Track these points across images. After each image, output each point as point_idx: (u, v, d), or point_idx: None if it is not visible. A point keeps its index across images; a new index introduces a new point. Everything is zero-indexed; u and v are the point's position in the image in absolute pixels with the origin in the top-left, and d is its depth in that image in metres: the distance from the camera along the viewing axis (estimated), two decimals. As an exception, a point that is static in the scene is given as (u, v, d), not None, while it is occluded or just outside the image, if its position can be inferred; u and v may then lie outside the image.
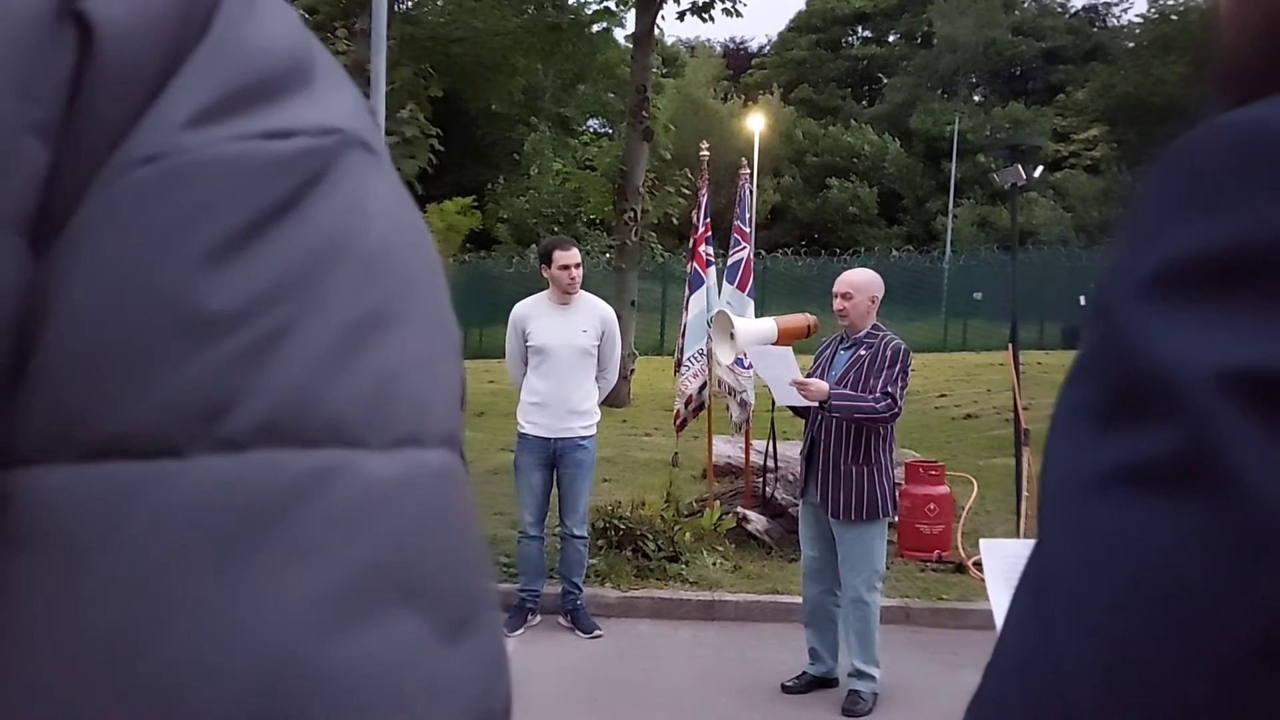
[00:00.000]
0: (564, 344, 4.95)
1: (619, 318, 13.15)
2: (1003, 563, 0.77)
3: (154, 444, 0.27)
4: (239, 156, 0.30)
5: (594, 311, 5.08)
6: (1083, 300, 24.07)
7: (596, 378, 5.08)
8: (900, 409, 4.18)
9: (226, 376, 0.28)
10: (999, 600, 0.72)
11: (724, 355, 5.19)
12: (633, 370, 13.54)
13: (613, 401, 12.46)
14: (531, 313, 5.05)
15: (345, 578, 0.27)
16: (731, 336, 4.96)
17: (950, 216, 35.90)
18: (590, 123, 35.97)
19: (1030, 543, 0.82)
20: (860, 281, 4.36)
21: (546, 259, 5.02)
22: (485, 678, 0.31)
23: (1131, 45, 42.19)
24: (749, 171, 6.98)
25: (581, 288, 5.06)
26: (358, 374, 0.30)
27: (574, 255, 5.00)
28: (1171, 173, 0.34)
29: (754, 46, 55.14)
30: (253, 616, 0.26)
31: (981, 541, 0.83)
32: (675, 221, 18.85)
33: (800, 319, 5.03)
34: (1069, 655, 0.30)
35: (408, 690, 0.28)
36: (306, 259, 0.30)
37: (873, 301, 4.34)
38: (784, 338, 4.82)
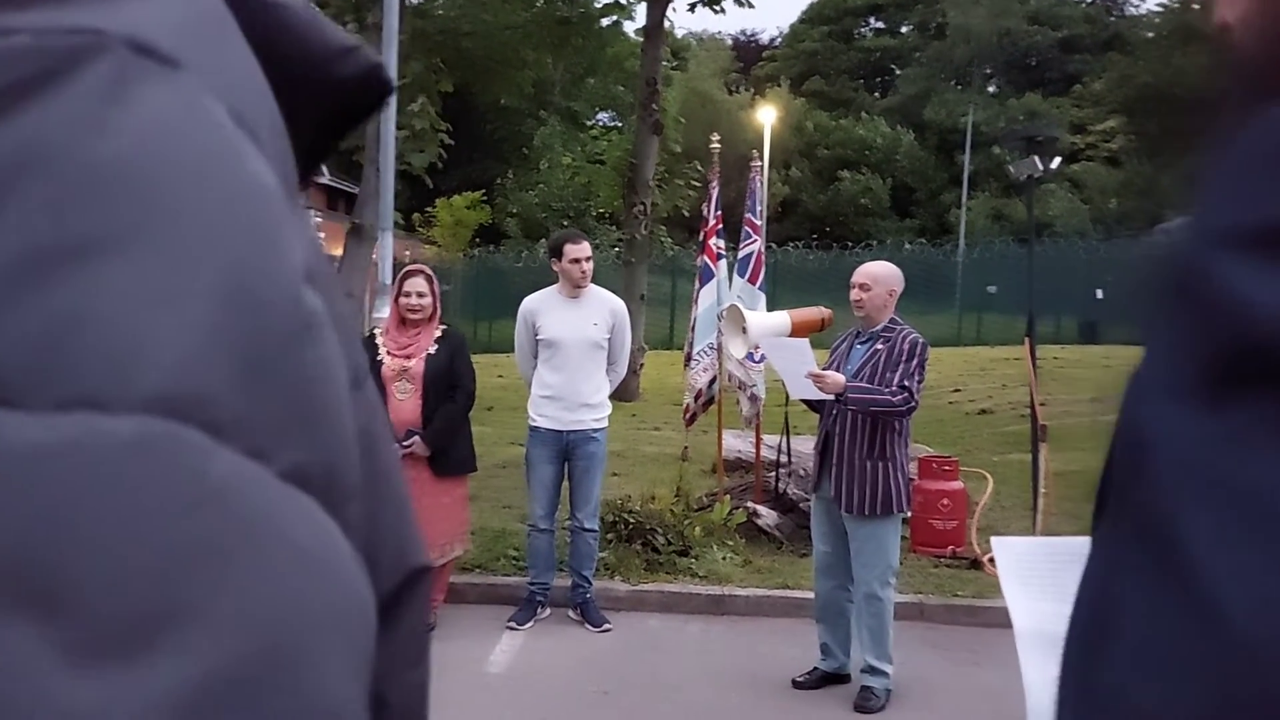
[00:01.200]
0: (575, 337, 4.92)
1: (629, 312, 13.15)
2: (1015, 561, 0.74)
3: None
4: None
5: (604, 305, 5.05)
6: (1100, 294, 23.93)
7: (607, 370, 5.05)
8: (917, 403, 4.12)
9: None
10: (1013, 598, 0.70)
11: (736, 349, 5.14)
12: (642, 365, 13.50)
13: (622, 396, 12.41)
14: (541, 306, 5.02)
15: None
16: (744, 330, 4.90)
17: (964, 209, 35.74)
18: (600, 116, 35.94)
19: (1043, 540, 0.79)
20: (880, 273, 4.29)
21: (557, 253, 4.99)
22: None
23: (1151, 35, 41.86)
24: (760, 164, 6.92)
25: (592, 282, 5.04)
26: (22, 315, 0.23)
27: (585, 249, 4.97)
28: (1263, 138, 0.30)
29: (765, 39, 54.96)
30: None
31: (993, 540, 0.80)
32: (685, 215, 18.80)
33: (814, 312, 4.97)
34: (1259, 638, 0.25)
35: None
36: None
37: (890, 295, 4.27)
38: (797, 331, 4.76)
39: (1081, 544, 0.77)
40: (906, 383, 4.06)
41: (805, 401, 4.44)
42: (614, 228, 23.19)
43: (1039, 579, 0.72)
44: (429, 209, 29.11)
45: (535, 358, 5.03)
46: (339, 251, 12.60)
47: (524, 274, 21.38)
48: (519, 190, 30.49)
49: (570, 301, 4.99)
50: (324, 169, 28.85)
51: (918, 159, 41.17)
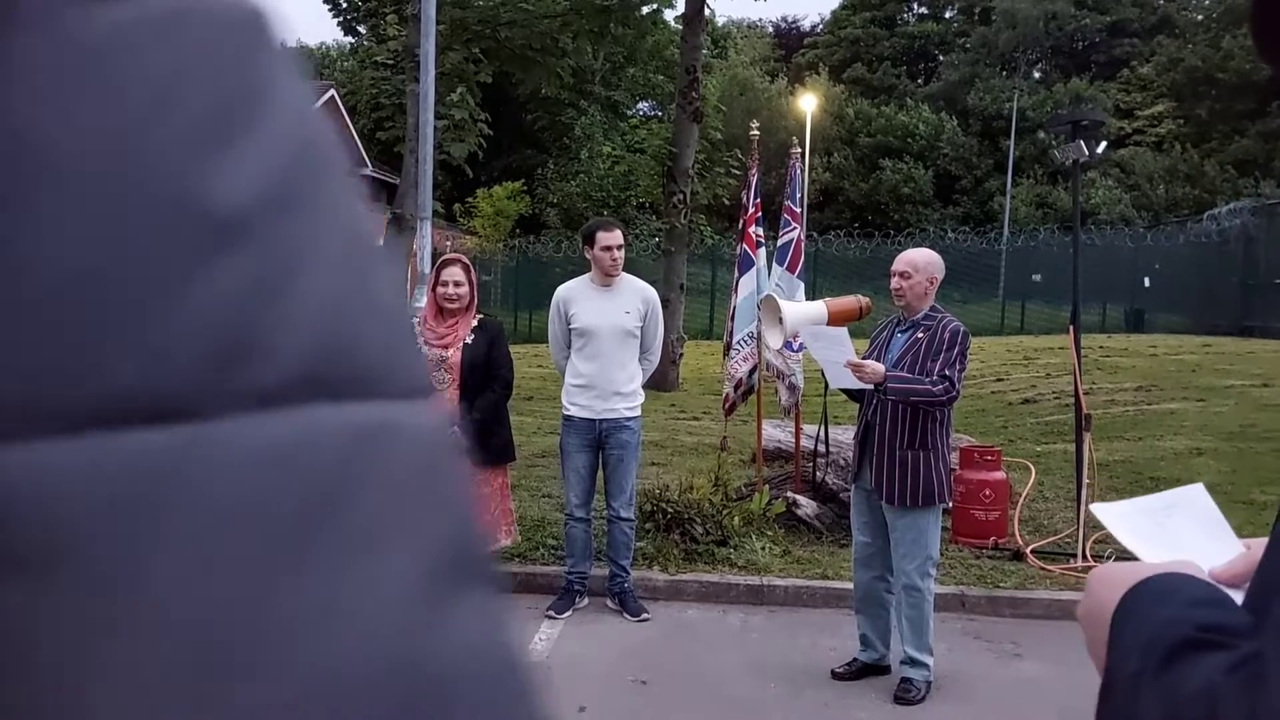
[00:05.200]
0: (607, 325, 4.91)
1: (667, 301, 13.05)
2: (1120, 520, 0.80)
3: (162, 403, 0.20)
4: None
5: (637, 293, 5.03)
6: (1147, 282, 23.49)
7: (640, 359, 5.03)
8: (958, 393, 4.06)
9: (247, 306, 0.21)
10: (1135, 548, 0.76)
11: (773, 339, 5.10)
12: (681, 354, 13.47)
13: (661, 385, 12.40)
14: (574, 295, 5.02)
15: (428, 554, 0.23)
16: (780, 321, 4.86)
17: (1008, 196, 35.23)
18: (640, 106, 35.86)
19: (1135, 502, 0.81)
20: (920, 261, 4.23)
21: (589, 240, 4.98)
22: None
23: (1200, 18, 40.96)
24: (799, 151, 6.85)
25: (632, 271, 5.03)
26: (374, 304, 0.23)
27: (616, 237, 4.95)
28: None
29: (806, 25, 54.50)
30: (360, 611, 0.21)
31: (1093, 507, 0.84)
32: (725, 204, 18.72)
33: (851, 300, 4.91)
34: None
35: (504, 672, 0.23)
36: (299, 152, 0.23)
37: (931, 283, 4.21)
38: (835, 320, 4.70)
39: (1170, 496, 0.79)
40: (947, 372, 4.00)
41: (845, 391, 4.40)
42: (654, 217, 23.15)
43: (1147, 534, 0.76)
44: (470, 199, 29.26)
45: (569, 347, 5.03)
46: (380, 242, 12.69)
47: (564, 264, 21.42)
48: (559, 180, 30.53)
49: (603, 290, 4.98)
50: (368, 161, 29.10)
51: (961, 146, 40.61)
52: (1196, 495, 0.79)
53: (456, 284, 4.77)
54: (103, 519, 0.19)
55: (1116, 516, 0.79)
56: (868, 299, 4.95)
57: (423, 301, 4.99)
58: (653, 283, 5.31)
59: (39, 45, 0.20)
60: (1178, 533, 0.76)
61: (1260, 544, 0.71)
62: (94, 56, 0.20)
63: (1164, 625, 0.61)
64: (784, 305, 4.93)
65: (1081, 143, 5.31)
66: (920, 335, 4.13)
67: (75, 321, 0.20)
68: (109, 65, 0.20)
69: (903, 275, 4.20)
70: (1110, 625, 0.65)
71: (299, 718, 0.20)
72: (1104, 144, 6.39)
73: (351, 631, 0.21)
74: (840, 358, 4.14)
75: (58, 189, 0.20)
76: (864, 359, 4.15)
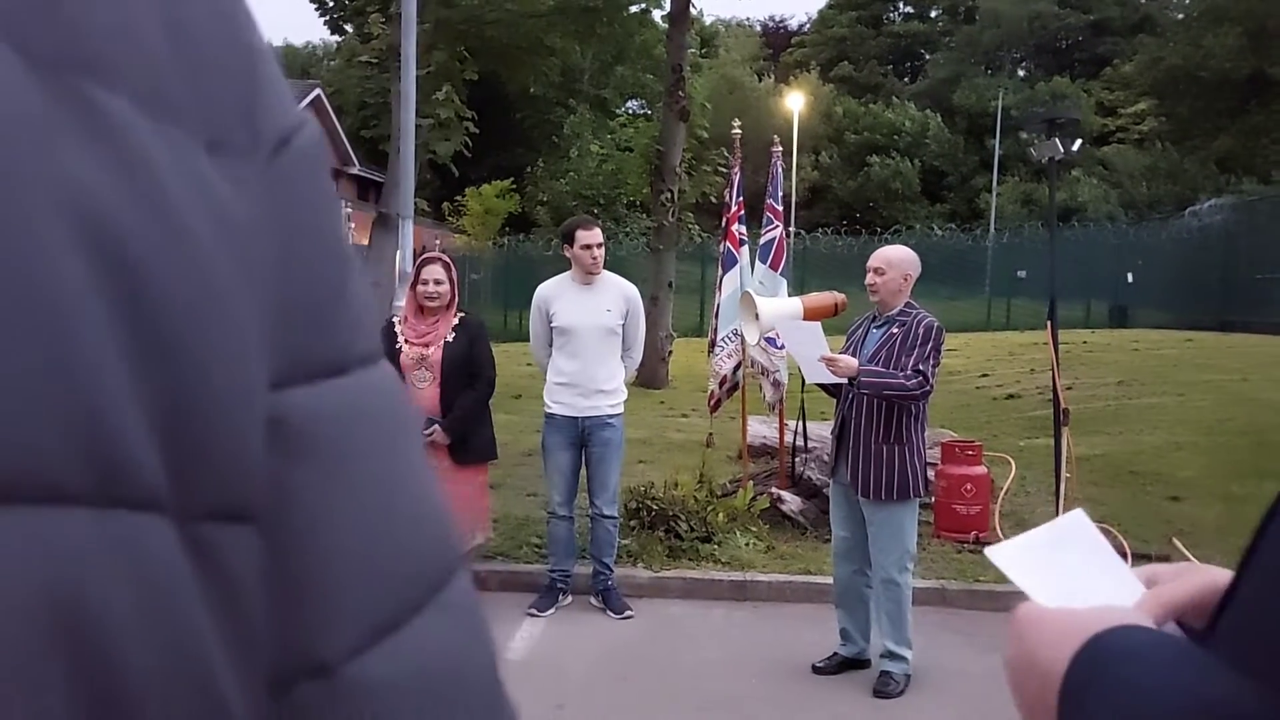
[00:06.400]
0: (589, 324, 4.92)
1: (656, 300, 13.04)
2: (1014, 561, 0.72)
3: (348, 358, 0.34)
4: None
5: (618, 291, 5.04)
6: (1130, 278, 23.62)
7: (622, 357, 5.06)
8: (932, 387, 4.10)
9: (358, 307, 0.35)
10: (1036, 591, 0.68)
11: (750, 335, 5.14)
12: (670, 352, 13.49)
13: (650, 383, 12.43)
14: (555, 293, 5.03)
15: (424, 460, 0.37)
16: (756, 317, 4.89)
17: (994, 194, 35.39)
18: (629, 104, 35.88)
19: (1028, 535, 0.75)
20: (895, 258, 4.26)
21: (568, 239, 4.99)
22: None
23: (1181, 16, 41.17)
24: (780, 149, 6.89)
25: (620, 269, 5.03)
26: (361, 291, 0.36)
27: (596, 235, 4.96)
28: None
29: (794, 25, 54.60)
30: (426, 495, 0.36)
31: (987, 551, 0.77)
32: (713, 202, 18.73)
33: (827, 297, 4.95)
34: None
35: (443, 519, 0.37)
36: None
37: (905, 279, 4.25)
38: (810, 316, 4.74)
39: (1056, 529, 0.75)
40: (921, 366, 4.04)
41: (821, 386, 4.43)
42: (644, 215, 23.08)
43: (1042, 573, 0.71)
44: (459, 198, 29.22)
45: (550, 345, 5.04)
46: (366, 241, 12.69)
47: (554, 263, 21.29)
48: (549, 179, 30.49)
49: (584, 288, 4.99)
50: (354, 159, 29.03)
51: (947, 144, 40.78)
52: (1080, 523, 0.75)
53: (437, 282, 4.76)
54: (344, 420, 0.33)
55: (1008, 558, 0.74)
56: (843, 296, 4.99)
57: (402, 300, 4.99)
58: (641, 281, 5.33)
59: None
60: (1070, 567, 0.72)
61: (1158, 570, 0.68)
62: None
63: (1154, 702, 0.54)
64: (760, 301, 4.96)
65: (1057, 140, 5.37)
66: (895, 331, 4.17)
67: (309, 315, 0.34)
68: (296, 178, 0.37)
69: (877, 271, 4.24)
70: (1065, 692, 0.59)
71: (421, 531, 0.35)
72: (1079, 141, 6.44)
73: (422, 505, 0.35)
74: (815, 353, 4.18)
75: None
76: (839, 354, 4.19)
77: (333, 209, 0.36)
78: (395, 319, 4.96)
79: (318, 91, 26.01)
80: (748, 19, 53.76)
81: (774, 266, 6.53)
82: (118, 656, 0.26)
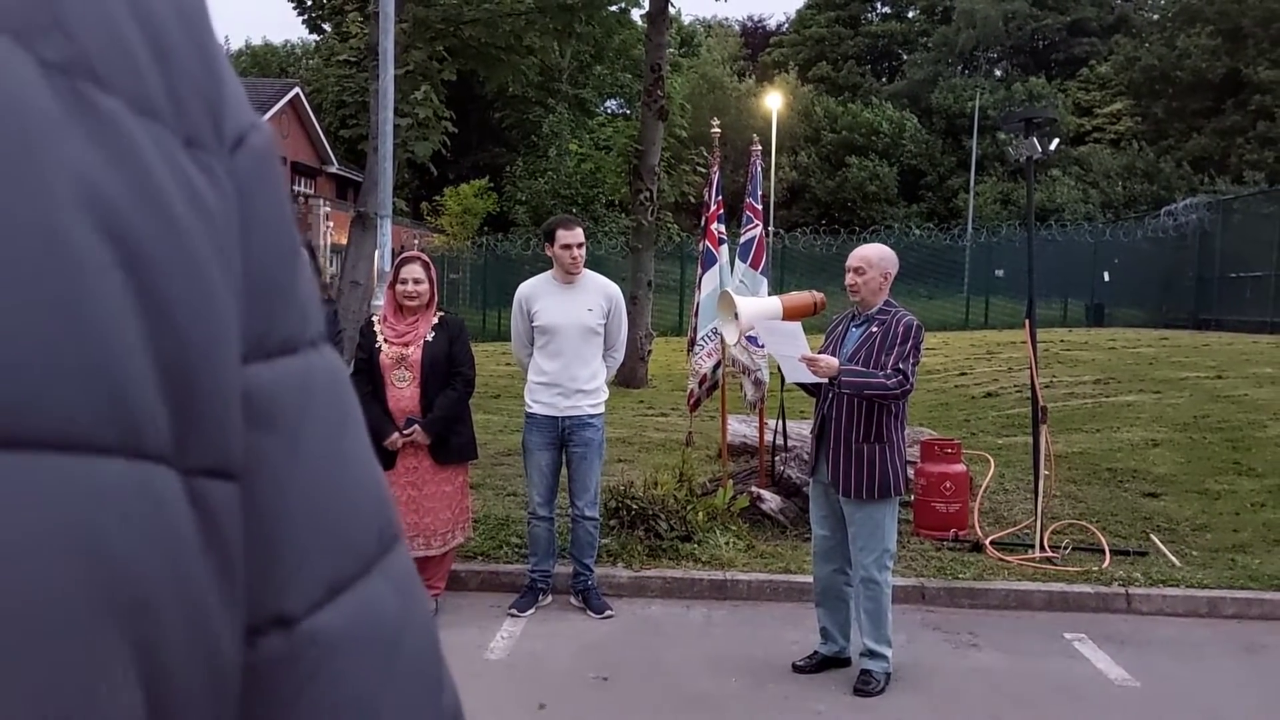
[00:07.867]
0: (570, 323, 4.90)
1: (635, 299, 13.05)
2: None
3: (298, 339, 0.37)
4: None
5: (599, 290, 5.02)
6: (1106, 276, 23.80)
7: (604, 356, 5.04)
8: (912, 386, 4.11)
9: (306, 294, 0.39)
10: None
11: (729, 335, 5.14)
12: (650, 351, 13.49)
13: (630, 382, 12.41)
14: (536, 292, 5.01)
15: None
16: (735, 316, 4.89)
17: (972, 194, 35.57)
18: (608, 104, 35.86)
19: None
20: (874, 256, 4.27)
21: (549, 238, 4.97)
22: None
23: (1156, 17, 41.54)
24: (759, 149, 6.90)
25: (600, 269, 5.01)
26: (310, 279, 0.40)
27: (577, 235, 4.95)
28: None
29: (772, 25, 54.71)
30: (370, 470, 0.39)
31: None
32: (692, 201, 18.74)
33: (806, 296, 4.95)
34: None
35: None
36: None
37: (885, 278, 4.25)
38: (789, 315, 4.74)
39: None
40: (901, 365, 4.05)
41: (801, 385, 4.43)
42: (623, 215, 23.10)
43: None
44: (438, 197, 29.12)
45: (531, 344, 5.02)
46: (344, 240, 12.61)
47: (532, 262, 21.35)
48: (527, 178, 30.45)
49: (565, 287, 4.97)
50: (333, 158, 28.87)
51: (925, 144, 40.96)
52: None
53: (416, 281, 4.74)
54: (298, 394, 0.37)
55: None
56: (821, 295, 4.99)
57: (381, 300, 4.96)
58: (620, 280, 5.31)
59: None
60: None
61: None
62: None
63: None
64: (739, 300, 4.96)
65: (1035, 140, 5.40)
66: (875, 329, 4.17)
67: (268, 300, 0.37)
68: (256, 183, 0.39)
69: (857, 270, 4.24)
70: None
71: (358, 509, 0.38)
72: (1056, 141, 6.49)
73: (367, 474, 0.39)
74: (795, 352, 4.17)
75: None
76: (819, 353, 4.19)
77: (285, 203, 0.38)
78: (375, 318, 4.93)
79: (296, 90, 25.87)
80: (727, 19, 53.80)
81: (754, 265, 6.54)
82: (152, 600, 0.29)
